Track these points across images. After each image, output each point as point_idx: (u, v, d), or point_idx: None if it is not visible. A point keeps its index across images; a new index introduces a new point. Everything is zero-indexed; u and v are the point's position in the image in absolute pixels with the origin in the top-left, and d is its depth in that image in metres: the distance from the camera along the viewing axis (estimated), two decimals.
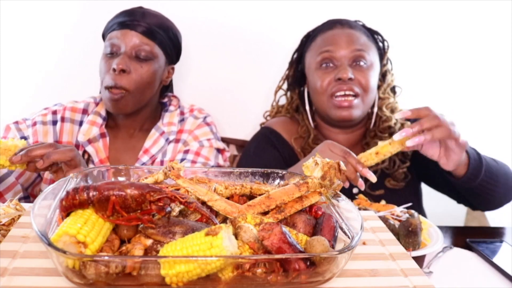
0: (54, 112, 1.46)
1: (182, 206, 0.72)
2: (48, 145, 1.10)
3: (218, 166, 1.48)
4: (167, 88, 1.60)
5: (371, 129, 1.50)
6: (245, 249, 0.63)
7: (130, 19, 1.38)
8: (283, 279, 0.60)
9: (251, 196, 0.80)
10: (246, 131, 1.80)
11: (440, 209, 1.67)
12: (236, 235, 0.64)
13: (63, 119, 1.45)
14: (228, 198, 0.78)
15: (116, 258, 0.58)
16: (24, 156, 1.07)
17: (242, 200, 0.79)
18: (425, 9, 1.87)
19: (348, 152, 1.15)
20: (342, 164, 0.80)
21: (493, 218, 1.83)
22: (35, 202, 0.66)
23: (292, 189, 0.76)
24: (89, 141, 1.44)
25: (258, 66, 1.88)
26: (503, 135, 1.91)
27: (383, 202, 1.27)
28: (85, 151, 1.44)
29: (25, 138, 1.38)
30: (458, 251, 1.19)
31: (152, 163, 1.47)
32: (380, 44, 1.51)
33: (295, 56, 1.57)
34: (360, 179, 1.15)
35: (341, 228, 0.73)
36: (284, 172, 0.90)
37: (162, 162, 1.46)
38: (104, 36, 1.45)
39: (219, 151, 1.51)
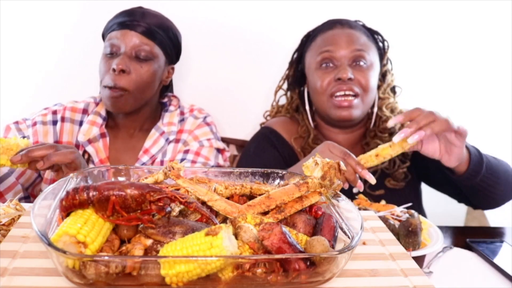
0: (54, 112, 1.46)
1: (182, 206, 0.72)
2: (49, 146, 1.09)
3: (218, 166, 1.48)
4: (167, 88, 1.60)
5: (371, 129, 1.50)
6: (245, 249, 0.63)
7: (129, 19, 1.38)
8: (283, 279, 0.60)
9: (251, 196, 0.80)
10: (246, 131, 1.80)
11: (440, 209, 1.67)
12: (236, 235, 0.64)
13: (63, 119, 1.45)
14: (228, 198, 0.78)
15: (116, 258, 0.58)
16: (24, 157, 1.07)
17: (242, 200, 0.79)
18: (425, 9, 1.87)
19: (348, 153, 1.15)
20: (342, 164, 0.80)
21: (493, 218, 1.83)
22: (35, 202, 0.66)
23: (292, 189, 0.76)
24: (89, 141, 1.44)
25: (258, 66, 1.88)
26: (503, 135, 1.91)
27: (383, 202, 1.27)
28: (85, 151, 1.44)
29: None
30: (458, 251, 1.19)
31: (152, 163, 1.47)
32: (380, 44, 1.51)
33: (295, 56, 1.57)
34: (359, 181, 1.15)
35: (341, 228, 0.73)
36: (284, 172, 0.90)
37: (162, 162, 1.46)
38: (103, 36, 1.45)
39: (219, 151, 1.51)
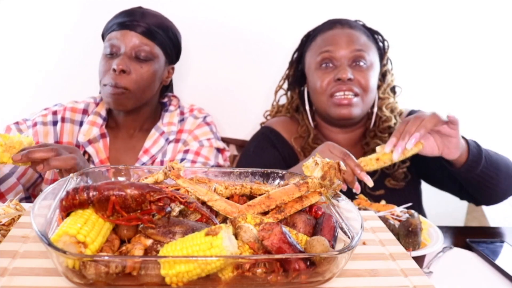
0: (55, 113, 1.46)
1: (182, 206, 0.72)
2: (50, 149, 1.07)
3: (218, 165, 1.48)
4: (167, 88, 1.60)
5: (371, 129, 1.50)
6: (245, 249, 0.63)
7: (129, 20, 1.38)
8: (283, 279, 0.60)
9: (251, 196, 0.80)
10: (246, 131, 1.80)
11: (440, 209, 1.67)
12: (236, 235, 0.64)
13: (63, 120, 1.46)
14: (228, 198, 0.78)
15: (116, 258, 0.58)
16: (24, 157, 1.07)
17: (242, 200, 0.79)
18: (425, 9, 1.87)
19: (348, 154, 1.15)
20: (342, 164, 0.80)
21: (493, 218, 1.83)
22: (35, 202, 0.66)
23: (292, 189, 0.76)
24: (89, 142, 1.44)
25: (258, 66, 1.88)
26: (503, 135, 1.91)
27: (383, 202, 1.27)
28: (85, 152, 1.44)
29: None
30: (458, 251, 1.19)
31: (152, 163, 1.47)
32: (380, 44, 1.51)
33: (295, 56, 1.57)
34: (356, 183, 1.15)
35: (341, 228, 0.73)
36: (284, 172, 0.90)
37: (162, 162, 1.46)
38: (103, 37, 1.45)
39: (219, 150, 1.51)
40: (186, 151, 1.46)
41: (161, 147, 1.47)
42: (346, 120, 1.43)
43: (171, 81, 1.59)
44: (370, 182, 1.13)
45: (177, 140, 1.50)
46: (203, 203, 0.73)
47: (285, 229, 0.64)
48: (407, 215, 1.12)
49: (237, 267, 0.59)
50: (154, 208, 0.65)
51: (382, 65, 1.51)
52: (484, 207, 1.92)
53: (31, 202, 1.25)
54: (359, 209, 1.13)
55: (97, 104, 1.51)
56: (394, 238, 0.80)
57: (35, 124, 1.42)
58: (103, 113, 1.49)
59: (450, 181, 1.40)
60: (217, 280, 0.60)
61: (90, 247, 0.59)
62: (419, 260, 1.05)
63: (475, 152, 1.25)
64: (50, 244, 0.57)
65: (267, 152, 1.49)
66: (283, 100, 1.63)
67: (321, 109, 1.46)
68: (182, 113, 1.55)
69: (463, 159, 1.24)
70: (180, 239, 0.62)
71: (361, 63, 1.40)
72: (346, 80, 1.37)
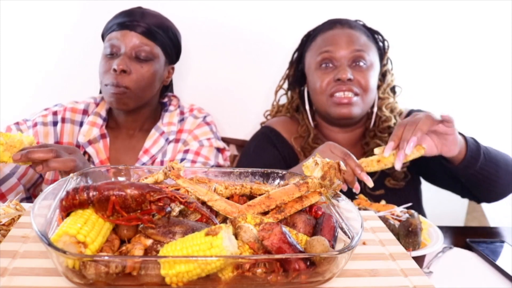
0: (55, 113, 1.46)
1: (182, 206, 0.72)
2: (49, 150, 1.06)
3: (218, 165, 1.48)
4: (167, 88, 1.60)
5: (371, 129, 1.50)
6: (245, 249, 0.63)
7: (129, 20, 1.38)
8: (283, 279, 0.60)
9: (251, 196, 0.80)
10: (246, 131, 1.80)
11: (440, 209, 1.67)
12: (236, 235, 0.64)
13: (63, 120, 1.46)
14: (228, 198, 0.78)
15: (116, 258, 0.58)
16: (24, 157, 1.07)
17: (242, 200, 0.79)
18: (425, 9, 1.87)
19: (348, 154, 1.15)
20: (342, 164, 0.80)
21: (493, 218, 1.83)
22: (35, 202, 0.66)
23: (292, 189, 0.76)
24: (90, 142, 1.44)
25: (258, 66, 1.88)
26: (503, 135, 1.91)
27: (383, 202, 1.27)
28: (85, 152, 1.44)
29: None
30: (458, 251, 1.19)
31: (152, 163, 1.47)
32: (380, 44, 1.51)
33: (295, 55, 1.57)
34: (356, 183, 1.15)
35: (341, 228, 0.73)
36: (284, 172, 0.90)
37: (162, 162, 1.46)
38: (103, 37, 1.45)
39: (219, 150, 1.51)
40: (186, 151, 1.46)
41: (161, 147, 1.47)
42: (346, 119, 1.43)
43: (171, 81, 1.59)
44: (370, 183, 1.13)
45: (177, 140, 1.50)
46: (203, 203, 0.73)
47: (285, 229, 0.64)
48: (407, 215, 1.12)
49: (237, 267, 0.59)
50: (154, 208, 0.65)
51: (382, 65, 1.51)
52: (484, 207, 1.92)
53: (32, 202, 1.24)
54: (359, 209, 1.13)
55: (97, 105, 1.51)
56: (394, 238, 0.80)
57: (35, 125, 1.42)
58: (103, 113, 1.49)
59: (450, 180, 1.40)
60: (217, 280, 0.60)
61: (90, 247, 0.59)
62: (419, 260, 1.05)
63: (473, 148, 1.25)
64: (50, 244, 0.57)
65: (267, 152, 1.49)
66: (283, 100, 1.63)
67: (321, 109, 1.46)
68: (182, 113, 1.55)
69: (461, 155, 1.25)
70: (180, 239, 0.62)
71: (361, 63, 1.40)
72: (346, 80, 1.37)
